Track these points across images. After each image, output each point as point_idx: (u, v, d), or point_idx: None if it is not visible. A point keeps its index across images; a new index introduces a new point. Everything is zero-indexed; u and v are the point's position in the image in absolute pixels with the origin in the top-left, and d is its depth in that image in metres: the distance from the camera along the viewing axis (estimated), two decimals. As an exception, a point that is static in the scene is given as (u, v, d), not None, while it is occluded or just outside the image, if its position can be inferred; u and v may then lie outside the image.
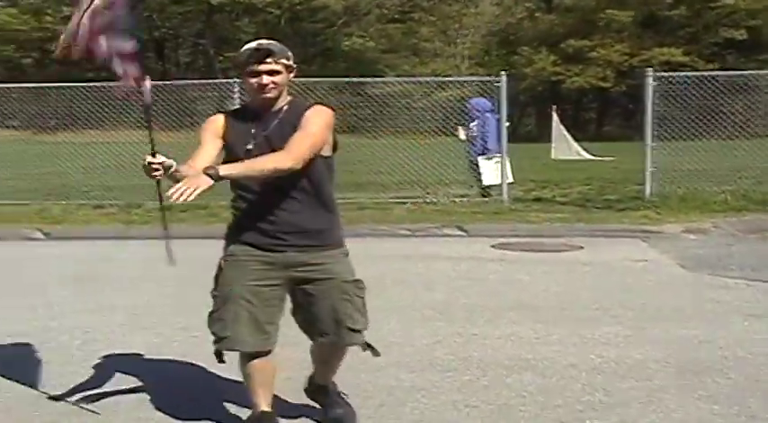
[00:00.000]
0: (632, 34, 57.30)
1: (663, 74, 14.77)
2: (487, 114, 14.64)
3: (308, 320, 4.36)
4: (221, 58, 64.49)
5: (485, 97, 15.00)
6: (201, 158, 4.13)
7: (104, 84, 16.69)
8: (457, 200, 14.78)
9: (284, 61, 4.17)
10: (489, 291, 8.04)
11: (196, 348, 5.96)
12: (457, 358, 5.80)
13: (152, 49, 68.96)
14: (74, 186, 16.67)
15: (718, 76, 15.38)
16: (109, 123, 18.22)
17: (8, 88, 17.92)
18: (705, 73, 15.57)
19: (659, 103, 14.27)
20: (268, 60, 4.10)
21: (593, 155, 31.07)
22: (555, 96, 54.63)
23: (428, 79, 29.24)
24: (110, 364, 5.71)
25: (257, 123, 4.18)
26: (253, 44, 4.18)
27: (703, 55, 52.11)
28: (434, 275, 8.87)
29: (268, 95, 4.15)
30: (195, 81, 20.77)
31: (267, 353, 4.32)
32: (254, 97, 4.25)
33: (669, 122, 14.46)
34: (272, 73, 4.12)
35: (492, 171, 14.54)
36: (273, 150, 4.05)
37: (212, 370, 5.25)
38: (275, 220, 4.18)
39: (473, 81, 18.10)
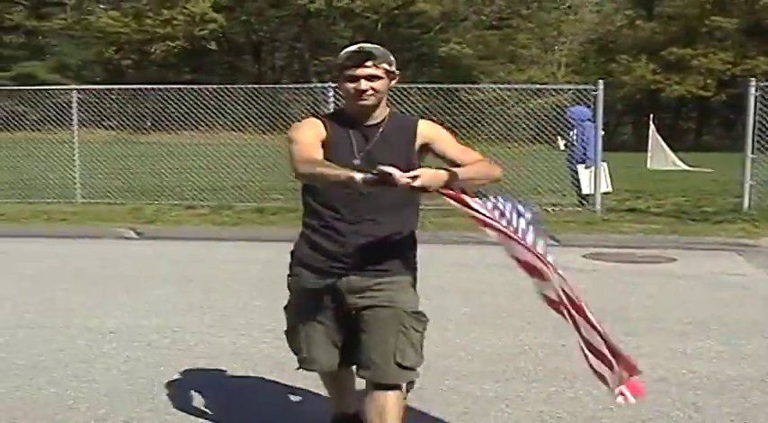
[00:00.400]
0: (736, 42, 56.17)
1: (766, 84, 14.41)
2: (586, 123, 14.49)
3: (355, 350, 3.93)
4: (316, 61, 65.14)
5: (583, 105, 14.85)
6: (319, 152, 3.78)
7: (200, 86, 17.03)
8: (549, 209, 14.65)
9: (385, 66, 3.81)
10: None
11: (284, 351, 6.00)
12: (543, 368, 5.76)
13: (248, 51, 70.04)
14: (167, 187, 17.02)
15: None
16: (203, 125, 18.54)
17: (107, 90, 18.38)
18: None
19: (761, 114, 13.94)
20: (368, 64, 3.76)
21: (690, 165, 30.53)
22: (653, 105, 53.83)
23: (523, 86, 29.07)
24: (197, 364, 5.82)
25: (357, 135, 3.87)
26: (353, 47, 3.87)
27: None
28: (523, 284, 8.75)
29: (366, 103, 3.80)
30: (290, 85, 20.96)
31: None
32: (350, 104, 3.87)
33: (768, 134, 14.11)
34: (371, 78, 3.77)
35: (591, 180, 14.40)
36: (373, 163, 3.52)
37: (298, 373, 5.28)
38: (346, 241, 3.84)
39: (569, 89, 17.94)
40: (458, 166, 3.77)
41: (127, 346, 6.30)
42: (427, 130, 3.96)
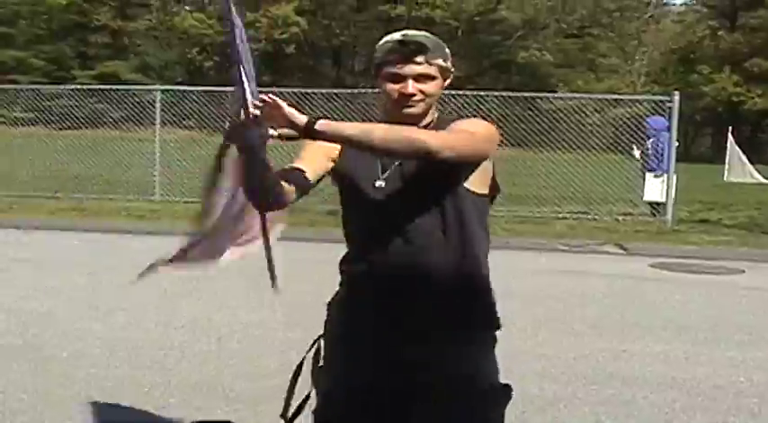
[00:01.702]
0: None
1: None
2: (663, 133, 14.51)
3: None
4: (395, 67, 65.29)
5: (661, 116, 14.87)
6: (300, 162, 2.87)
7: (279, 89, 17.38)
8: (620, 218, 14.71)
9: (440, 62, 2.75)
10: (642, 309, 8.08)
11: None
12: (603, 372, 5.90)
13: (329, 55, 70.57)
14: (242, 187, 17.25)
15: None
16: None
17: (187, 90, 18.81)
18: None
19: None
20: (418, 59, 2.70)
21: (765, 180, 30.20)
22: (733, 117, 53.20)
23: (599, 96, 29.00)
24: (264, 359, 6.00)
25: None
26: (396, 35, 2.83)
27: None
28: (589, 291, 8.95)
29: (412, 110, 2.72)
30: (368, 89, 21.24)
31: None
32: (391, 110, 2.77)
33: None
34: (421, 78, 2.71)
35: (656, 188, 14.42)
36: (394, 193, 2.75)
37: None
38: (398, 292, 2.75)
39: (645, 99, 17.95)
40: None
41: (198, 339, 6.55)
42: (459, 121, 2.77)
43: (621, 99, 21.73)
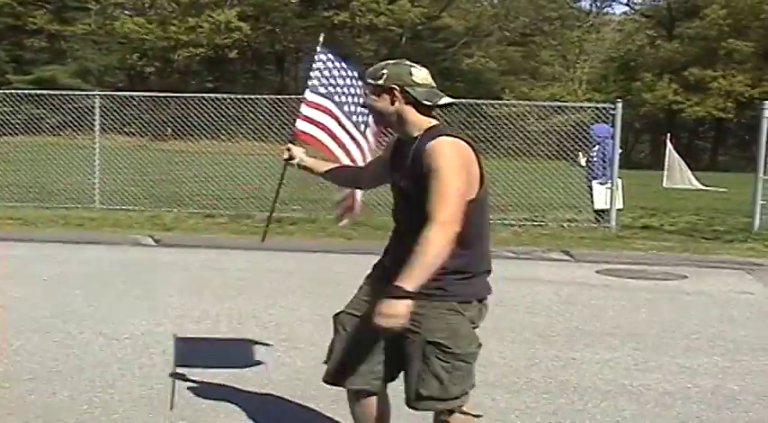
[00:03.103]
0: (753, 66, 56.24)
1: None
2: (609, 141, 14.62)
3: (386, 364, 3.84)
4: (340, 74, 65.31)
5: (604, 123, 14.98)
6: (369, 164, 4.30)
7: (222, 95, 17.23)
8: (565, 224, 14.80)
9: (370, 81, 3.68)
10: (590, 316, 8.10)
11: (299, 360, 6.21)
12: (554, 381, 5.90)
13: (272, 61, 70.36)
14: (186, 194, 17.08)
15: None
16: (225, 134, 18.72)
17: (129, 96, 18.54)
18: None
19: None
20: (366, 90, 3.75)
21: (705, 185, 30.64)
22: (671, 124, 53.94)
23: (544, 103, 29.22)
24: (209, 372, 5.88)
25: (402, 153, 3.67)
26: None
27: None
28: (537, 298, 8.96)
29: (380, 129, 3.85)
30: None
31: (373, 394, 3.90)
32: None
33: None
34: (366, 105, 3.79)
35: (603, 196, 14.52)
36: (403, 190, 3.66)
37: (311, 382, 5.45)
38: (399, 256, 3.52)
39: (589, 107, 18.10)
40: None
41: (142, 352, 6.39)
42: (429, 161, 3.44)
43: (565, 106, 21.92)
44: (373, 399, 3.91)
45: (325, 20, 63.46)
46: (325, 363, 3.94)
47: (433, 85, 3.74)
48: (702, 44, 58.68)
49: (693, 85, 56.80)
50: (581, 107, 20.59)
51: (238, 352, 6.42)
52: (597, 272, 10.69)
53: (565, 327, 7.58)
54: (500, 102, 26.24)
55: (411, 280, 3.28)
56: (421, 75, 3.69)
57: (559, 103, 27.74)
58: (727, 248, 12.76)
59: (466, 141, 3.58)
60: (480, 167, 3.56)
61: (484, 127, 17.11)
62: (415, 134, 3.60)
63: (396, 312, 3.28)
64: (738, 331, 7.54)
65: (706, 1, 60.19)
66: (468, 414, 3.83)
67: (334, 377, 3.89)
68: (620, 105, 14.39)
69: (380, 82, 3.62)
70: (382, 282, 3.66)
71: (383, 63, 3.71)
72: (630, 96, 53.03)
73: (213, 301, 8.36)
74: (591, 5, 75.32)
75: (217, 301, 8.32)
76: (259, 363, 6.10)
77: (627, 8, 76.23)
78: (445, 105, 3.75)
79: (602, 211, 14.79)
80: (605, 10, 77.64)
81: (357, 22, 62.63)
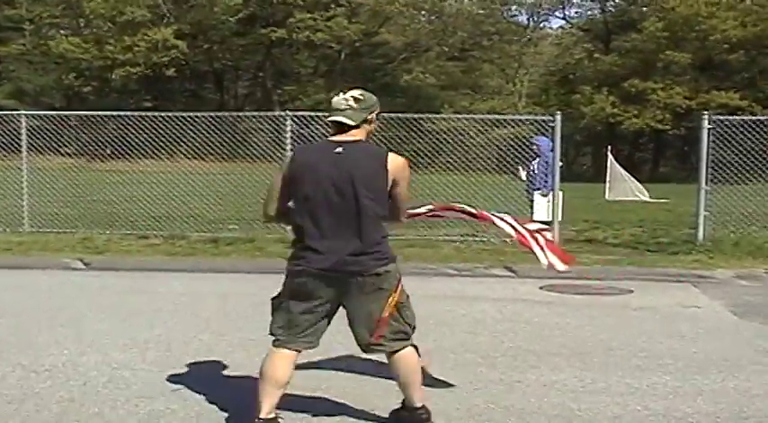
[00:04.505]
0: (691, 78, 57.01)
1: (718, 117, 14.53)
2: (549, 153, 14.46)
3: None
4: (279, 90, 65.16)
5: (544, 136, 14.83)
6: None
7: (161, 114, 16.82)
8: (508, 239, 14.57)
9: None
10: (535, 335, 7.84)
11: (227, 389, 5.85)
12: (497, 407, 5.61)
13: (211, 79, 69.97)
14: (120, 215, 16.61)
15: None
16: (164, 153, 18.32)
17: (65, 116, 18.04)
18: (760, 117, 15.32)
19: (714, 147, 14.04)
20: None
21: (648, 197, 30.78)
22: (612, 136, 54.40)
23: (484, 117, 29.14)
24: (134, 405, 5.55)
25: None
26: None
27: (759, 99, 51.71)
28: (479, 317, 8.69)
29: None
30: (251, 113, 20.86)
31: (296, 355, 4.93)
32: None
33: (723, 166, 14.25)
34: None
35: (544, 208, 14.32)
36: None
37: (241, 413, 5.13)
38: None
39: (528, 120, 17.99)
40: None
41: (62, 385, 5.98)
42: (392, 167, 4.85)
43: (505, 120, 21.77)
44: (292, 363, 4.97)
45: (263, 37, 63.27)
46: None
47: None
48: (640, 56, 59.30)
49: (632, 97, 57.33)
50: (521, 120, 20.51)
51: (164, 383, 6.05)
52: (541, 288, 10.48)
53: (509, 347, 7.31)
54: (440, 116, 26.13)
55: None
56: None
57: (499, 117, 27.63)
58: (672, 261, 12.62)
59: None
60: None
61: (424, 142, 16.93)
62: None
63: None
64: (688, 348, 7.33)
65: (642, 14, 60.96)
66: None
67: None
68: (558, 118, 14.24)
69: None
70: None
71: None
72: (570, 109, 53.38)
73: (143, 327, 7.98)
74: (528, 20, 76.01)
75: (146, 328, 7.94)
76: (191, 393, 5.74)
77: (564, 22, 77.06)
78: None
79: (544, 222, 14.60)
80: (542, 24, 78.44)
81: (295, 39, 62.37)
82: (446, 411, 5.45)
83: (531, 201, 14.75)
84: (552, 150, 14.41)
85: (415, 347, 5.17)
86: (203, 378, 6.18)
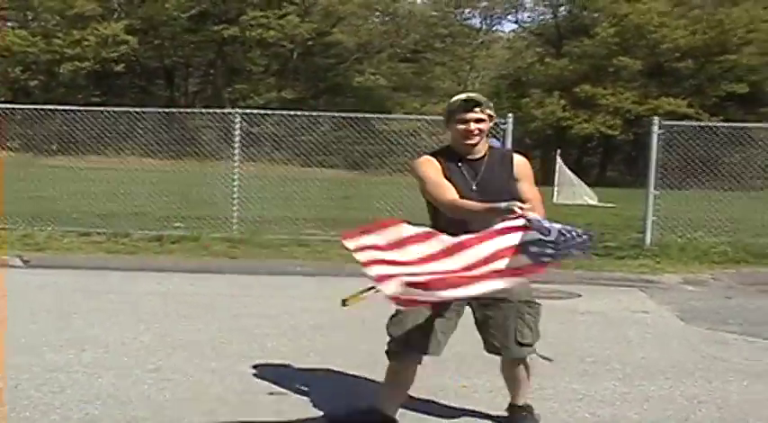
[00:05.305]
0: (640, 84, 57.53)
1: (667, 123, 14.63)
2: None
3: (483, 335, 5.11)
4: (230, 88, 64.77)
5: (496, 137, 14.80)
6: (453, 191, 4.73)
7: (109, 109, 16.54)
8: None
9: (489, 111, 4.83)
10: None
11: (168, 393, 5.68)
12: (443, 414, 5.54)
13: (161, 76, 69.35)
14: (62, 212, 16.23)
15: (719, 126, 15.44)
16: (112, 149, 18.07)
17: (11, 109, 17.64)
18: (708, 124, 15.52)
19: (663, 152, 14.11)
20: (476, 109, 4.79)
21: (596, 201, 30.92)
22: (561, 140, 54.68)
23: (436, 118, 29.10)
24: (68, 409, 5.34)
25: (467, 167, 4.86)
26: (462, 96, 4.90)
27: (706, 106, 52.40)
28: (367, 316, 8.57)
29: (472, 141, 4.82)
30: (201, 110, 20.63)
31: (419, 362, 5.03)
32: (459, 142, 4.88)
33: (671, 171, 14.34)
34: (478, 121, 4.79)
35: None
36: (486, 192, 4.69)
37: (180, 416, 4.98)
38: None
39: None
40: (524, 201, 4.58)
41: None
42: (521, 167, 4.97)
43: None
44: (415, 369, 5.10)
45: (214, 34, 62.84)
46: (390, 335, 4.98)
47: None
48: (591, 62, 59.73)
49: (582, 102, 57.72)
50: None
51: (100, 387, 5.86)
52: (489, 291, 10.38)
53: (456, 352, 7.14)
54: (391, 116, 26.05)
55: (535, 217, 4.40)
56: None
57: (450, 119, 27.58)
58: (620, 265, 12.65)
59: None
60: None
61: (375, 143, 16.83)
62: (485, 151, 4.95)
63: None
64: (635, 353, 7.29)
65: (594, 20, 61.42)
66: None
67: (418, 347, 4.98)
68: (510, 120, 14.22)
69: (493, 112, 4.91)
70: None
71: (482, 96, 4.97)
72: (521, 112, 53.58)
73: (81, 327, 7.77)
74: (481, 23, 76.23)
75: (85, 327, 7.73)
76: (128, 396, 5.57)
77: (516, 26, 77.42)
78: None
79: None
80: (495, 28, 78.73)
81: (247, 37, 61.99)
82: (391, 417, 5.34)
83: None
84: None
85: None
86: (141, 381, 6.01)
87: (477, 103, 4.80)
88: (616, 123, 56.10)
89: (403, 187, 16.21)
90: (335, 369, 6.52)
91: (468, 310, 5.10)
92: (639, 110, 53.09)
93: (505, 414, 5.36)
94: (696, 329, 8.59)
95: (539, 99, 60.12)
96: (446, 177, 4.80)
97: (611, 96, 56.22)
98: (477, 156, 4.90)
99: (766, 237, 15.00)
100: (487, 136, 5.05)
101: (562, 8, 69.70)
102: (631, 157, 58.31)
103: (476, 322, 5.09)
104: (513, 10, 74.36)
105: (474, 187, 4.78)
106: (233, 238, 13.95)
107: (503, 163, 4.92)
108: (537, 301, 5.07)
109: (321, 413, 5.38)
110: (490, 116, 4.86)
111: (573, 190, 32.37)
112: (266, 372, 6.32)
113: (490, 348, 5.11)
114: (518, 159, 4.99)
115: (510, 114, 14.58)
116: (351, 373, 6.42)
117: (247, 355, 6.80)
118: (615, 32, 57.59)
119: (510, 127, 14.18)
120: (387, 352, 4.99)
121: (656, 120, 14.29)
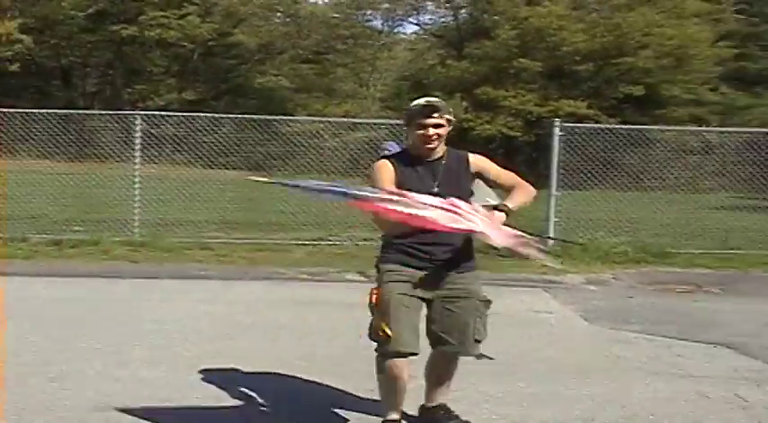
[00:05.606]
0: (540, 86, 58.27)
1: (568, 125, 14.81)
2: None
3: (440, 331, 5.02)
4: (130, 89, 63.73)
5: (396, 140, 14.79)
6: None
7: (3, 110, 16.05)
8: (360, 243, 14.50)
9: (447, 116, 4.92)
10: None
11: (66, 402, 5.52)
12: (352, 418, 5.50)
13: (58, 76, 67.88)
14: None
15: (619, 128, 15.67)
16: (6, 151, 17.53)
17: None
18: (608, 126, 15.81)
19: (564, 153, 14.29)
20: (435, 115, 4.86)
21: (497, 201, 31.24)
22: (463, 142, 54.95)
23: (338, 120, 29.07)
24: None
25: (425, 169, 4.95)
26: (421, 101, 4.97)
27: (604, 108, 53.34)
28: (333, 324, 8.52)
29: (431, 146, 4.90)
30: (100, 111, 20.21)
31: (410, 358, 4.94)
32: (418, 146, 4.94)
33: (572, 172, 14.53)
34: (437, 126, 4.87)
35: None
36: (447, 191, 4.77)
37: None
38: (435, 250, 4.93)
39: (383, 123, 17.99)
40: (507, 188, 5.15)
41: None
42: (479, 162, 5.13)
43: (360, 123, 21.71)
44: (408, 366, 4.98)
45: (113, 34, 61.65)
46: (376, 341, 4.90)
47: None
48: (492, 64, 60.21)
49: (484, 103, 58.22)
50: (375, 124, 20.47)
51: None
52: (394, 293, 10.33)
53: (363, 355, 7.12)
54: (294, 118, 25.92)
55: (514, 204, 4.95)
56: None
57: (354, 120, 27.58)
58: (524, 266, 12.73)
59: None
60: None
61: (278, 144, 16.71)
62: (443, 152, 5.03)
63: (501, 220, 4.74)
64: (541, 353, 7.34)
65: (495, 22, 62.00)
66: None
67: (412, 346, 4.89)
68: (414, 122, 14.22)
69: (452, 117, 4.97)
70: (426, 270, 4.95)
71: (441, 101, 5.04)
72: (423, 115, 53.76)
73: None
74: (383, 25, 76.36)
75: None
76: (21, 408, 5.38)
77: (417, 28, 77.78)
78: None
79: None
80: (397, 29, 78.97)
81: (147, 37, 61.02)
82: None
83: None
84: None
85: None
86: (41, 390, 5.82)
87: (436, 109, 4.88)
88: (517, 125, 56.65)
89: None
90: (242, 373, 6.41)
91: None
92: (540, 111, 53.76)
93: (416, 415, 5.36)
94: (599, 329, 8.70)
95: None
96: (399, 182, 4.84)
97: (513, 98, 56.75)
98: (436, 157, 4.98)
99: (665, 237, 15.34)
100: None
101: (463, 11, 70.23)
102: (533, 158, 59.01)
103: (429, 318, 5.06)
104: (415, 12, 74.67)
105: (435, 188, 4.84)
106: (134, 242, 13.68)
107: (459, 162, 5.04)
108: (489, 298, 5.26)
109: (228, 417, 5.28)
110: (449, 121, 4.94)
111: (479, 191, 32.62)
112: (171, 378, 6.18)
113: (439, 343, 5.08)
114: (473, 157, 5.12)
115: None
116: (257, 377, 6.32)
117: (150, 362, 6.65)
118: (516, 35, 58.18)
119: (413, 129, 14.18)
120: (382, 355, 4.92)
121: (557, 122, 14.48)
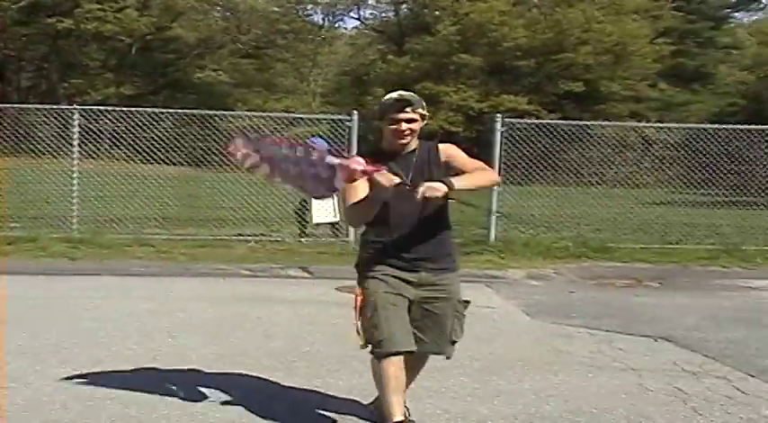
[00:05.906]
0: (481, 81, 58.57)
1: (509, 120, 14.87)
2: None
3: (416, 330, 4.92)
4: (66, 83, 62.85)
5: (332, 136, 14.75)
6: (361, 191, 4.63)
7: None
8: (303, 239, 14.45)
9: (420, 111, 4.85)
10: (333, 338, 7.66)
11: (3, 402, 5.41)
12: (296, 415, 5.44)
13: (-9, 70, 66.72)
14: None
15: (559, 124, 15.80)
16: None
17: None
18: (549, 121, 15.92)
19: (505, 149, 14.35)
20: (407, 109, 4.80)
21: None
22: (406, 137, 55.06)
23: (279, 115, 28.91)
24: None
25: (398, 163, 4.82)
26: (394, 95, 4.90)
27: (545, 104, 53.76)
28: (275, 320, 8.47)
29: (404, 141, 4.84)
30: (36, 105, 19.89)
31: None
32: (391, 141, 4.87)
33: (513, 168, 14.61)
34: (409, 121, 4.81)
35: (323, 209, 14.05)
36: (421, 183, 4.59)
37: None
38: (414, 249, 4.88)
39: (325, 119, 17.94)
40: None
41: None
42: (447, 150, 5.02)
43: (301, 118, 21.61)
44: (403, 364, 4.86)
45: (48, 27, 60.70)
46: (369, 342, 4.84)
47: None
48: (433, 59, 60.41)
49: (427, 98, 58.22)
50: (317, 119, 20.41)
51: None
52: (337, 289, 10.32)
53: (306, 351, 7.12)
54: (234, 113, 25.73)
55: (461, 182, 4.60)
56: None
57: (295, 115, 27.45)
58: (465, 261, 12.71)
59: None
60: None
61: (217, 140, 16.57)
62: (415, 146, 4.95)
63: (439, 189, 4.46)
64: (484, 349, 7.35)
65: (436, 18, 62.17)
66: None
67: (406, 344, 4.81)
68: (356, 117, 14.24)
69: (425, 112, 4.95)
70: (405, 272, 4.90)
71: (415, 95, 4.94)
72: (364, 110, 53.81)
73: None
74: (323, 19, 76.26)
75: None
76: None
77: (358, 23, 77.84)
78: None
79: (333, 223, 14.51)
80: (337, 24, 78.92)
81: (83, 30, 60.17)
82: (240, 421, 5.22)
83: (303, 201, 14.50)
84: (329, 151, 14.25)
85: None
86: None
87: (409, 103, 4.81)
88: (458, 120, 56.90)
89: (246, 184, 16.04)
90: (184, 371, 6.34)
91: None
92: (481, 107, 54.04)
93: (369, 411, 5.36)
94: (541, 324, 8.75)
95: (382, 96, 60.36)
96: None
97: (454, 93, 56.99)
98: (408, 150, 4.92)
99: (605, 231, 15.52)
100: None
101: (404, 6, 70.34)
102: (474, 153, 59.22)
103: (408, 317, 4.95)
104: (356, 7, 74.74)
105: (409, 182, 4.71)
106: (73, 239, 13.48)
107: (430, 153, 4.97)
108: (468, 299, 5.25)
109: (169, 417, 5.21)
110: (422, 115, 4.89)
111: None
112: (112, 377, 6.09)
113: (414, 342, 4.91)
114: (443, 146, 5.05)
115: (355, 111, 14.58)
116: (198, 374, 6.25)
117: (91, 361, 6.55)
118: (457, 31, 58.43)
119: (355, 124, 14.18)
120: (378, 356, 4.80)
121: (498, 117, 14.53)
